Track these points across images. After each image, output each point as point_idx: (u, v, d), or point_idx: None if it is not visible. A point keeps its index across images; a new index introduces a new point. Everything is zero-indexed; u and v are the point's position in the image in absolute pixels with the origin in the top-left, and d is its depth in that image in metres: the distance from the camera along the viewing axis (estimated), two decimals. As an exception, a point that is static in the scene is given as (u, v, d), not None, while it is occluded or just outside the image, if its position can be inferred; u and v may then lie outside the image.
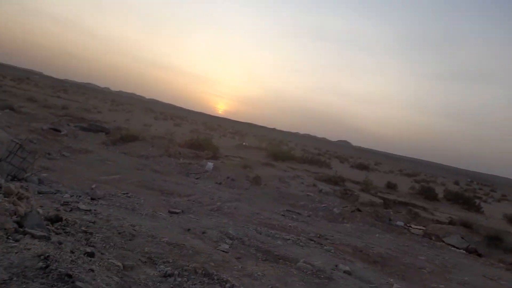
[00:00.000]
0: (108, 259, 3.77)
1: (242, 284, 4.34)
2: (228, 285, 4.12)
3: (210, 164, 14.79)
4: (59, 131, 16.36)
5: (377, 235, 9.79)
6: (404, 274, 6.72)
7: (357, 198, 13.98)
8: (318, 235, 8.47)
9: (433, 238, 11.26)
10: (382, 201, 14.40)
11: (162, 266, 4.30)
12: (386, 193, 18.33)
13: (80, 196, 7.64)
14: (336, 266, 5.99)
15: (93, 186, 9.16)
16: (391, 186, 19.58)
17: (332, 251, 7.02)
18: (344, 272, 5.78)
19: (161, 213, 7.55)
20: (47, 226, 4.12)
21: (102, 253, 3.98)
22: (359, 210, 11.91)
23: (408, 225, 12.44)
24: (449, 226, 11.94)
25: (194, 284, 3.99)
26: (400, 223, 12.52)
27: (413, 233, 11.60)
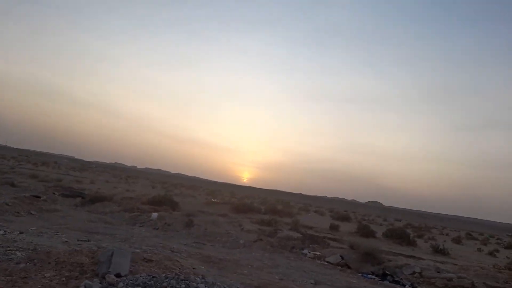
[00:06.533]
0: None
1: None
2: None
3: (155, 214, 17.52)
4: (39, 197, 19.76)
5: (253, 253, 12.02)
6: (226, 267, 9.04)
7: (276, 234, 16.16)
8: (197, 254, 10.89)
9: (321, 259, 13.27)
10: (301, 235, 16.48)
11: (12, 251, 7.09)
12: (327, 232, 20.24)
13: (12, 232, 10.57)
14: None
15: (33, 228, 12.10)
16: (333, 227, 21.47)
17: (180, 255, 9.49)
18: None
19: (66, 239, 10.31)
20: None
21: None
22: (261, 239, 14.16)
23: (310, 251, 14.45)
24: (338, 249, 13.91)
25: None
26: (305, 251, 14.56)
27: (307, 256, 13.63)
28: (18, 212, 15.63)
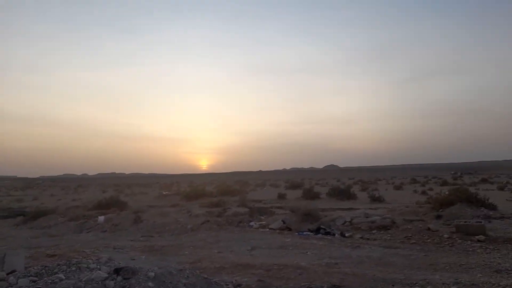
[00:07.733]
0: None
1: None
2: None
3: (101, 218, 17.35)
4: (-27, 225, 18.68)
5: (199, 235, 12.54)
6: (168, 252, 9.47)
7: (225, 213, 16.78)
8: (141, 246, 11.17)
9: (266, 227, 14.10)
10: (248, 210, 17.24)
11: None
12: (275, 202, 21.28)
13: None
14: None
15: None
16: (281, 196, 22.61)
17: (123, 251, 9.74)
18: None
19: None
20: None
21: None
22: (208, 221, 14.69)
23: (256, 222, 15.26)
24: (282, 215, 14.85)
25: None
26: (252, 223, 15.32)
27: (253, 227, 14.40)
28: (-51, 243, 14.77)
